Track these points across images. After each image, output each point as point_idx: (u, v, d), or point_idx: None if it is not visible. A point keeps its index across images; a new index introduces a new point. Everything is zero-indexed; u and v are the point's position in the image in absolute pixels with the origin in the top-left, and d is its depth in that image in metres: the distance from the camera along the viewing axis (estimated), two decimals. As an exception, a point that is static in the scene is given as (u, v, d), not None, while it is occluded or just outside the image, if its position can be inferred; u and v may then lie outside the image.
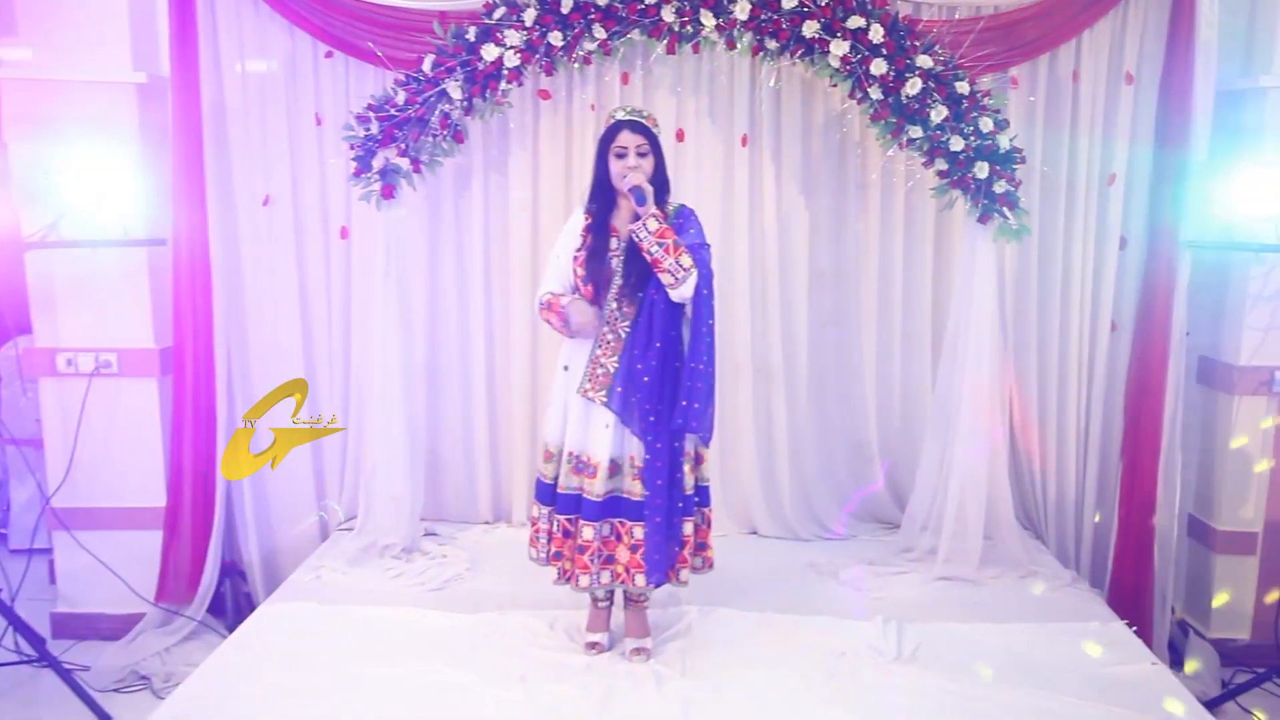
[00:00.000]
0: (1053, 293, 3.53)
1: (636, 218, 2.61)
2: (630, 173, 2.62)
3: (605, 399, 2.66)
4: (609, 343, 2.69)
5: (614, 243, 2.70)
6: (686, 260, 2.58)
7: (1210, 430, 3.60)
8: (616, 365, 2.67)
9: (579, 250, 2.71)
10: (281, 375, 3.64)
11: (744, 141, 3.50)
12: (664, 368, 2.65)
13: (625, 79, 3.47)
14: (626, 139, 2.64)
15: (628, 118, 2.67)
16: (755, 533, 3.76)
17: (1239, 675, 3.45)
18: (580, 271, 2.70)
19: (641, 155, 2.65)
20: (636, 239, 2.60)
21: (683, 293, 2.60)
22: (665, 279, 2.58)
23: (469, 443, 3.79)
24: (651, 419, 2.63)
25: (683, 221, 2.69)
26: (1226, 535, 3.54)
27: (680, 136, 3.51)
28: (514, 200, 3.58)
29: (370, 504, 3.51)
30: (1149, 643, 3.38)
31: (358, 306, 3.62)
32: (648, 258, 2.59)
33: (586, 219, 2.74)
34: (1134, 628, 3.05)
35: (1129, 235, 3.48)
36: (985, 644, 2.89)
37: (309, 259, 3.65)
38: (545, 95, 3.45)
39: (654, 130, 2.69)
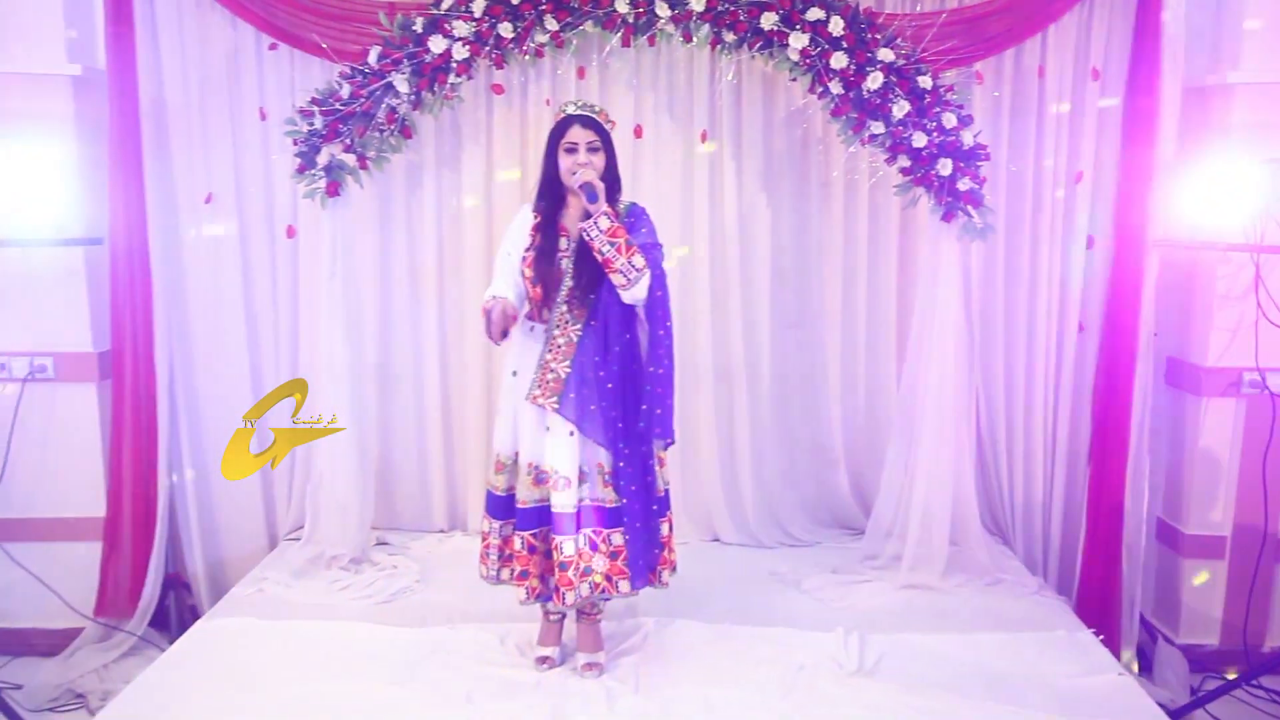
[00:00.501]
0: (1019, 293, 3.46)
1: (587, 215, 2.51)
2: (581, 169, 2.52)
3: (557, 405, 2.55)
4: (559, 347, 2.59)
5: (563, 243, 2.60)
6: (639, 260, 2.48)
7: (1178, 433, 3.55)
8: (568, 370, 2.57)
9: (527, 250, 2.61)
10: (226, 380, 3.55)
11: (704, 138, 3.41)
12: (624, 372, 2.56)
13: (581, 73, 3.36)
14: (577, 134, 2.54)
15: (578, 112, 2.58)
16: (718, 540, 3.67)
17: (1208, 682, 3.40)
18: (528, 273, 2.59)
19: (593, 151, 2.55)
20: (587, 238, 2.50)
21: (635, 294, 2.50)
22: (617, 280, 2.49)
23: (423, 448, 3.67)
24: (620, 425, 2.54)
25: (634, 220, 2.59)
26: (1195, 539, 3.48)
27: (638, 133, 3.41)
28: (467, 198, 3.48)
29: (317, 513, 3.39)
30: (1117, 649, 3.34)
31: (305, 308, 3.50)
32: (599, 257, 2.49)
33: (535, 218, 2.63)
34: (1101, 636, 2.98)
35: (1096, 234, 3.41)
36: (949, 655, 2.81)
37: (254, 259, 3.52)
38: (499, 90, 3.34)
39: (606, 125, 2.60)
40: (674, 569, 2.76)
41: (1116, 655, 3.32)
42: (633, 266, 2.47)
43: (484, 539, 2.72)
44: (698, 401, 3.58)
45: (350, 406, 3.31)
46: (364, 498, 3.39)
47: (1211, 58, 3.34)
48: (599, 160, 2.55)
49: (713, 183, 3.46)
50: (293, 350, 3.56)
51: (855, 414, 3.68)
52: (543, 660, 2.74)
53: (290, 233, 3.47)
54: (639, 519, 2.57)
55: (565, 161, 2.55)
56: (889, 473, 3.39)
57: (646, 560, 2.61)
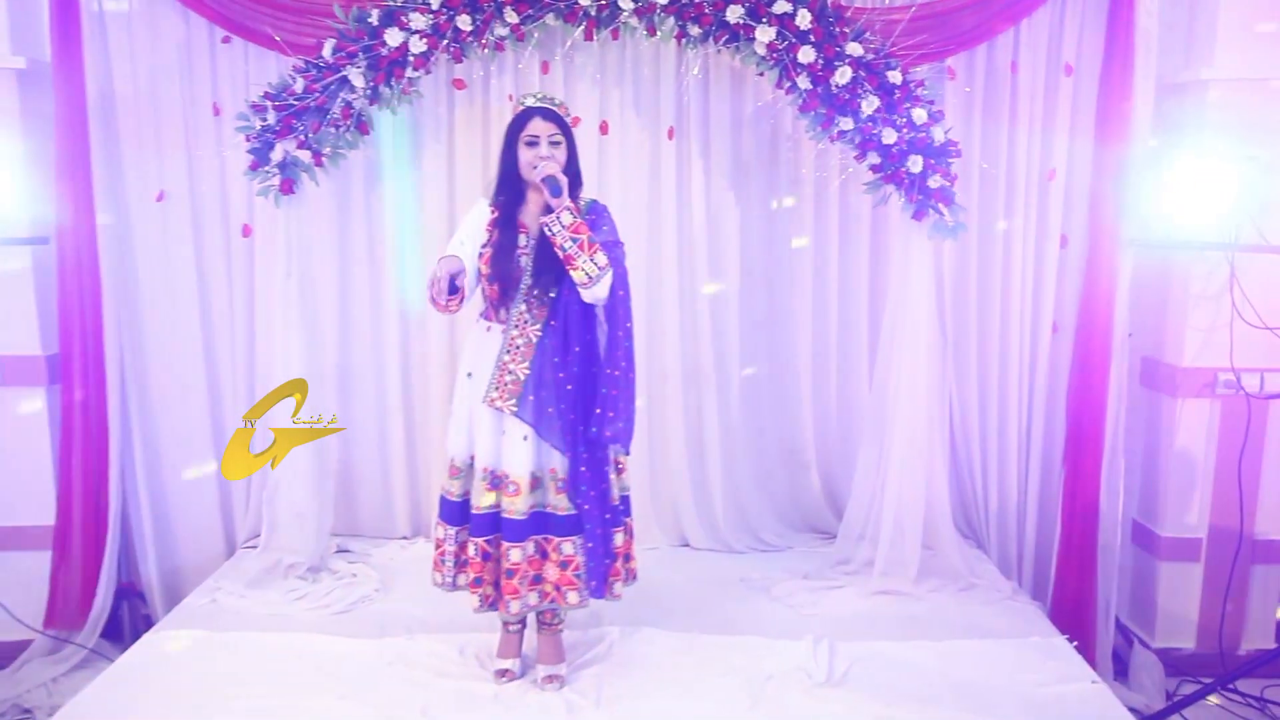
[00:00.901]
0: (993, 293, 3.40)
1: (548, 210, 2.43)
2: (544, 162, 2.43)
3: (515, 408, 2.47)
4: (518, 348, 2.51)
5: (522, 239, 2.52)
6: (601, 258, 2.40)
7: (1154, 434, 3.51)
8: (527, 372, 2.48)
9: (484, 247, 2.52)
10: (180, 383, 3.45)
11: (670, 134, 3.33)
12: (584, 374, 2.48)
13: (545, 68, 3.28)
14: (538, 126, 2.46)
15: (539, 104, 2.49)
16: (687, 545, 3.60)
17: (1184, 686, 3.35)
18: (485, 270, 2.50)
19: (554, 144, 2.47)
20: (549, 233, 2.41)
21: (596, 293, 2.42)
22: (578, 277, 2.40)
23: (384, 453, 3.58)
24: (578, 429, 2.46)
25: (595, 218, 2.51)
26: (1170, 542, 3.44)
27: (604, 129, 3.33)
28: (428, 196, 3.39)
29: (274, 520, 3.29)
30: (1092, 654, 3.30)
31: (262, 309, 3.40)
32: (560, 254, 2.41)
33: (492, 213, 2.55)
34: (1075, 643, 2.92)
35: (1070, 233, 3.36)
36: (920, 664, 2.75)
37: (209, 259, 3.42)
38: (460, 85, 3.26)
39: (566, 119, 2.52)
40: (633, 578, 2.69)
41: (1091, 660, 3.28)
42: (595, 264, 2.39)
43: (438, 546, 2.63)
44: (666, 404, 3.51)
45: (307, 410, 3.20)
46: (322, 504, 3.29)
47: (1186, 54, 3.30)
48: (560, 154, 2.48)
49: (680, 180, 3.39)
50: (249, 352, 3.46)
51: (827, 415, 3.61)
52: (502, 673, 2.65)
53: (246, 232, 3.37)
54: (589, 528, 2.48)
55: (526, 155, 2.47)
56: (861, 475, 3.33)
57: (600, 570, 2.53)
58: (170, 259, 3.38)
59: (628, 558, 2.66)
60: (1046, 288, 3.38)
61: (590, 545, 2.49)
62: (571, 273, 2.41)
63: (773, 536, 3.59)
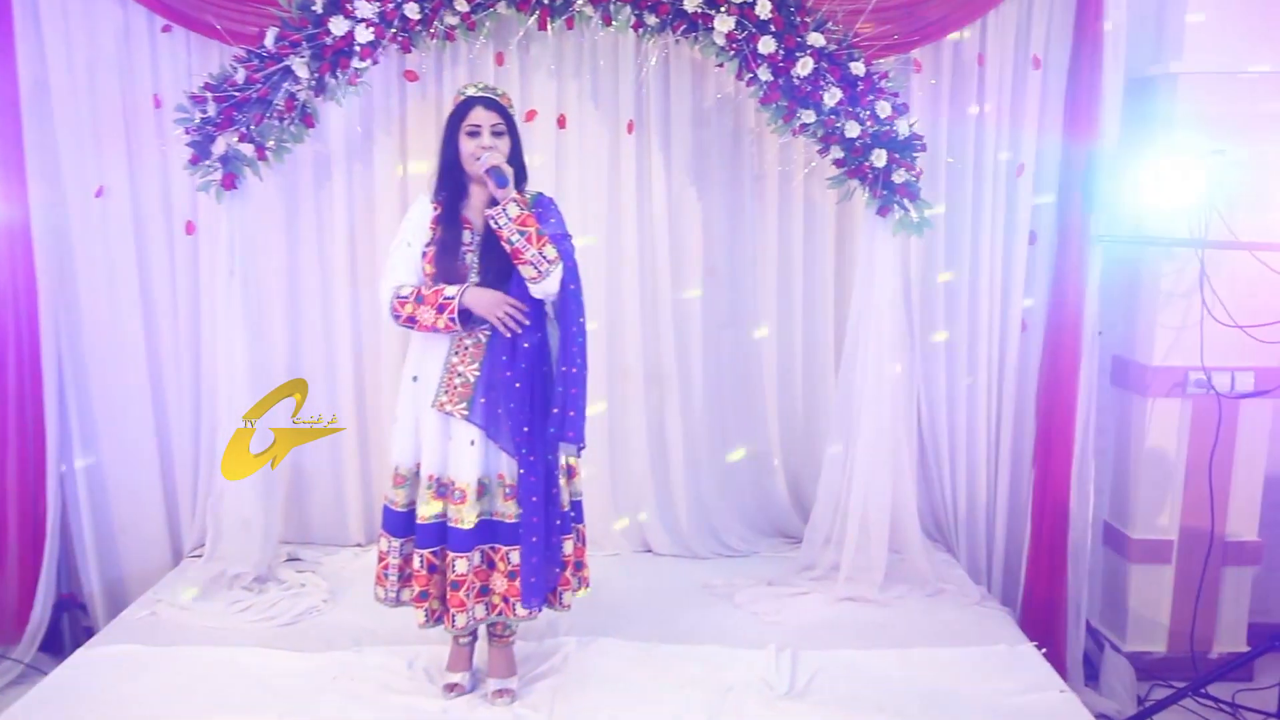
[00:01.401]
0: (960, 291, 3.33)
1: (493, 203, 2.33)
2: (487, 152, 2.33)
3: (466, 412, 2.37)
4: (466, 349, 2.40)
5: (467, 235, 2.42)
6: (551, 251, 2.30)
7: (1124, 434, 3.45)
8: (477, 374, 2.38)
9: (428, 245, 2.42)
10: (122, 386, 3.33)
11: (630, 128, 3.23)
12: (534, 373, 2.38)
13: (500, 59, 3.17)
14: (480, 116, 2.37)
15: (480, 94, 2.40)
16: (650, 550, 3.50)
17: (1156, 690, 3.30)
18: (430, 269, 2.40)
19: (497, 134, 2.38)
20: (495, 225, 2.31)
21: (546, 287, 2.32)
22: (527, 272, 2.30)
23: (336, 457, 3.46)
24: (525, 430, 2.35)
25: (542, 210, 2.42)
26: (1141, 544, 3.38)
27: (561, 123, 3.23)
28: (380, 191, 3.27)
29: (219, 529, 3.17)
30: (1062, 658, 3.24)
31: (207, 309, 3.27)
32: (507, 248, 2.31)
33: (434, 209, 2.44)
34: (1044, 650, 2.85)
35: (1038, 229, 3.29)
36: (885, 673, 2.67)
37: (151, 257, 3.29)
38: (412, 76, 3.14)
39: (510, 109, 2.42)
40: (585, 587, 2.60)
41: (1062, 665, 3.23)
42: (544, 258, 2.29)
43: (381, 558, 2.52)
44: (627, 406, 3.41)
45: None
46: (270, 511, 3.17)
47: (1155, 47, 3.24)
48: (504, 145, 2.38)
49: (640, 175, 3.29)
50: (194, 354, 3.33)
51: (793, 417, 3.53)
52: (450, 687, 2.55)
53: (189, 229, 3.24)
54: (538, 533, 2.38)
55: (468, 146, 2.37)
56: (826, 478, 3.25)
57: (544, 580, 2.42)
58: (110, 257, 3.25)
59: (579, 565, 2.57)
60: (1015, 285, 3.31)
61: (527, 553, 2.38)
62: (520, 267, 2.31)
63: (737, 541, 3.50)
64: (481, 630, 2.61)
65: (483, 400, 2.37)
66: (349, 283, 3.33)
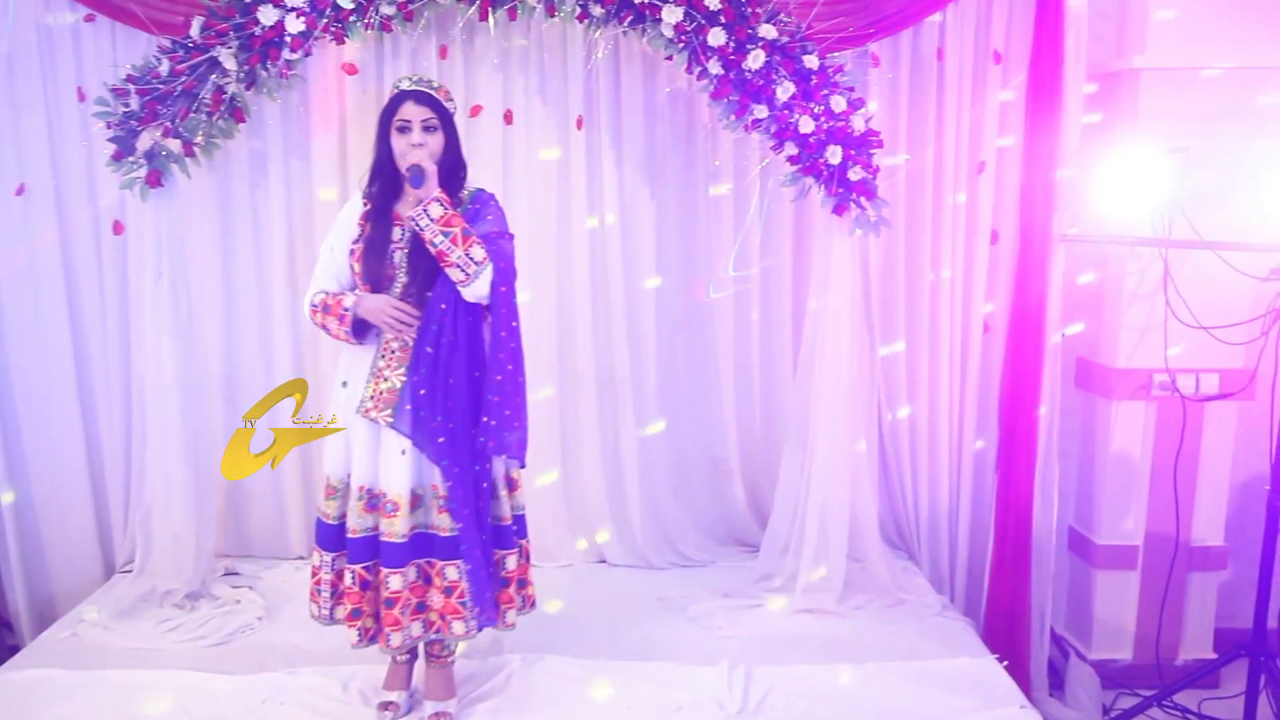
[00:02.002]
0: (920, 291, 3.24)
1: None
2: (413, 150, 2.23)
3: (390, 419, 2.25)
4: (393, 352, 2.29)
5: (397, 233, 2.30)
6: (478, 252, 2.19)
7: (1089, 437, 3.38)
8: (404, 379, 2.26)
9: (355, 243, 2.30)
10: (47, 393, 3.18)
11: (580, 123, 3.11)
12: (468, 381, 2.26)
13: (444, 52, 3.04)
14: (410, 111, 2.26)
15: (413, 87, 2.29)
16: (604, 561, 3.39)
17: (1121, 699, 3.24)
18: (357, 268, 2.29)
19: (429, 130, 2.27)
20: (417, 227, 2.20)
21: (476, 290, 2.21)
22: (454, 275, 2.19)
23: (277, 468, 3.30)
24: (441, 440, 2.23)
25: (479, 208, 2.31)
26: (1106, 549, 3.31)
27: (508, 118, 3.11)
28: (319, 188, 3.13)
29: (149, 544, 3.02)
30: (1026, 667, 3.17)
31: (136, 314, 3.12)
32: (431, 250, 2.20)
33: (365, 205, 2.33)
34: (1005, 663, 2.76)
35: (1000, 229, 3.20)
36: (841, 689, 2.57)
37: (77, 259, 3.13)
38: (351, 69, 3.01)
39: (446, 104, 2.31)
40: (530, 606, 2.48)
41: (1026, 675, 3.16)
42: (471, 259, 2.18)
43: (314, 574, 2.39)
44: (579, 412, 3.30)
45: (184, 422, 2.95)
46: (202, 525, 3.02)
47: (1117, 42, 3.17)
48: (435, 141, 2.27)
49: (591, 173, 3.16)
50: (124, 360, 3.17)
51: (750, 421, 3.42)
52: (385, 706, 2.42)
53: (117, 229, 3.09)
54: (473, 546, 2.26)
55: (398, 143, 2.27)
56: (784, 484, 3.15)
57: (487, 596, 2.30)
58: (34, 259, 3.08)
59: (523, 583, 2.45)
60: (977, 285, 3.23)
61: (471, 568, 2.27)
62: (446, 269, 2.20)
63: (694, 550, 3.39)
64: (420, 648, 2.48)
65: (409, 407, 2.25)
66: (287, 284, 3.19)
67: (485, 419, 2.25)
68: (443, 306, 2.22)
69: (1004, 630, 3.18)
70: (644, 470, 3.34)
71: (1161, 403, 3.21)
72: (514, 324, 2.26)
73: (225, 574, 3.23)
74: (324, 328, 2.32)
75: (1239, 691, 2.95)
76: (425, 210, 2.19)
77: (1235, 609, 3.40)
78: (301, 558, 3.37)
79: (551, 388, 3.27)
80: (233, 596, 3.03)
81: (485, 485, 2.29)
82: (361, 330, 2.29)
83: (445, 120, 2.29)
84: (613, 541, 3.35)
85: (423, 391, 2.23)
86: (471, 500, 2.26)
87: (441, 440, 2.23)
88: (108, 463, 3.25)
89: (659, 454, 3.37)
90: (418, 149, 2.23)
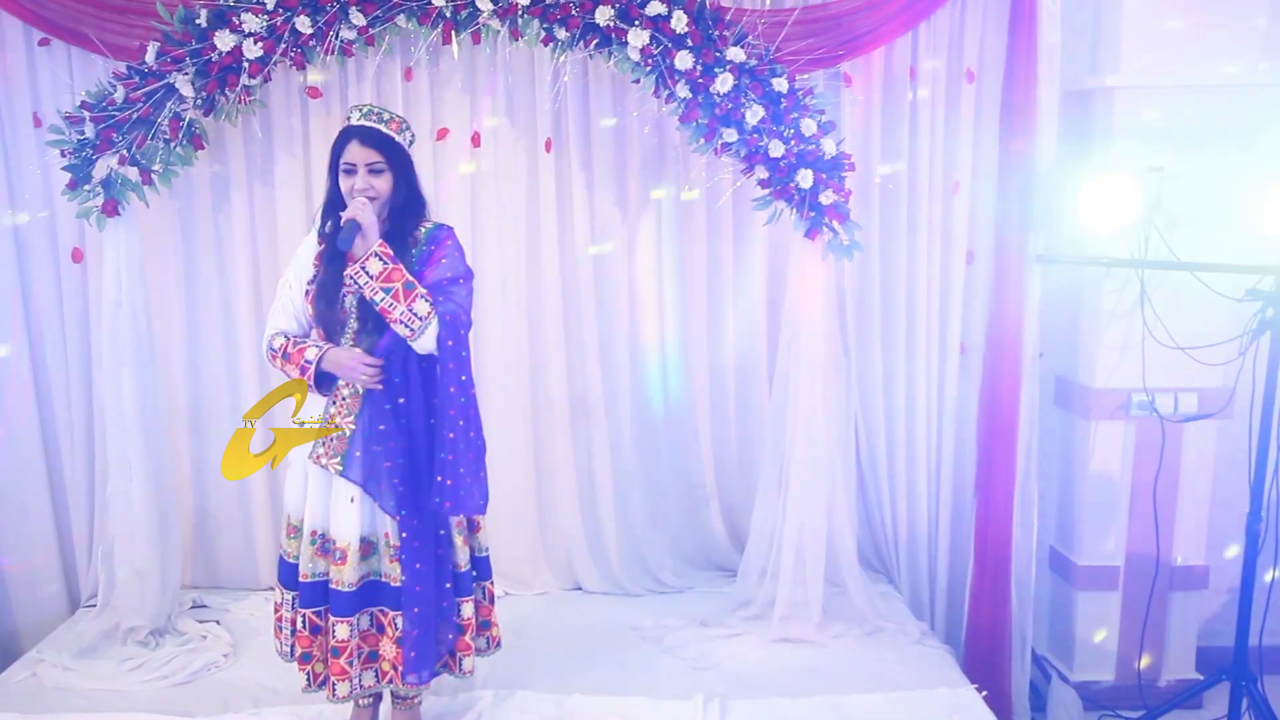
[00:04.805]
0: (896, 313, 3.19)
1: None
2: (353, 199, 2.15)
3: (340, 467, 2.19)
4: (344, 399, 2.24)
5: (349, 276, 2.23)
6: (422, 306, 2.12)
7: (1069, 457, 3.34)
8: (354, 426, 2.21)
9: (310, 283, 2.24)
10: (7, 425, 3.09)
11: (549, 146, 3.06)
12: (424, 427, 2.21)
13: (409, 75, 2.99)
14: (355, 154, 2.18)
15: (360, 122, 2.20)
16: (580, 588, 3.34)
17: (1103, 720, 3.21)
18: (310, 309, 2.24)
19: (374, 173, 2.18)
20: (358, 284, 2.14)
21: (424, 344, 2.15)
22: (400, 330, 2.14)
23: (245, 497, 3.26)
24: (401, 489, 2.18)
25: (433, 249, 2.23)
26: (1087, 570, 3.27)
27: (475, 141, 3.05)
28: (283, 214, 3.07)
29: (112, 579, 2.96)
30: (1007, 690, 3.15)
31: (97, 342, 3.04)
32: (375, 307, 2.13)
33: (320, 245, 2.26)
34: (984, 692, 2.73)
35: (976, 248, 3.17)
36: (818, 723, 2.53)
37: (37, 287, 3.06)
38: (314, 93, 2.95)
39: (397, 137, 2.22)
40: (495, 647, 2.45)
41: (1007, 699, 3.12)
42: (414, 315, 2.12)
43: (276, 610, 2.35)
44: (553, 438, 3.25)
45: (146, 454, 2.88)
46: (167, 560, 2.96)
47: (1091, 60, 3.14)
48: (383, 183, 2.18)
49: (561, 196, 3.12)
50: (85, 390, 3.10)
51: (726, 446, 3.37)
52: (351, 751, 2.37)
53: (77, 256, 3.02)
54: (420, 603, 2.21)
55: (344, 184, 2.20)
56: (761, 508, 3.11)
57: (430, 649, 2.25)
58: (-11, 288, 3.02)
59: (486, 624, 2.40)
60: (953, 306, 3.19)
61: (409, 622, 2.20)
62: (391, 325, 2.14)
63: (671, 576, 3.34)
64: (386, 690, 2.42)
65: (359, 454, 2.20)
66: (252, 311, 3.13)
67: (439, 478, 2.17)
68: (393, 355, 2.17)
69: (985, 652, 3.15)
70: (619, 496, 3.29)
71: (1141, 422, 3.17)
72: (463, 378, 2.17)
73: (193, 606, 3.17)
74: (284, 371, 2.27)
75: (1222, 714, 2.92)
76: (363, 268, 2.12)
77: (1218, 626, 3.37)
78: (271, 588, 3.28)
79: (525, 414, 3.22)
80: (199, 632, 2.97)
81: (443, 533, 2.23)
82: (325, 382, 2.23)
83: (394, 159, 2.20)
84: (589, 568, 3.30)
85: (377, 446, 2.18)
86: (430, 550, 2.21)
87: (401, 489, 2.18)
88: (70, 495, 3.18)
89: (635, 480, 3.32)
90: (358, 199, 2.14)
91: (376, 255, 2.12)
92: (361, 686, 2.27)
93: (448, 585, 2.26)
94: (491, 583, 2.43)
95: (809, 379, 2.93)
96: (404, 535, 2.19)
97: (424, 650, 2.23)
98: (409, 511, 2.19)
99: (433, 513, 2.21)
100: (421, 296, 2.12)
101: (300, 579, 2.26)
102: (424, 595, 2.20)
